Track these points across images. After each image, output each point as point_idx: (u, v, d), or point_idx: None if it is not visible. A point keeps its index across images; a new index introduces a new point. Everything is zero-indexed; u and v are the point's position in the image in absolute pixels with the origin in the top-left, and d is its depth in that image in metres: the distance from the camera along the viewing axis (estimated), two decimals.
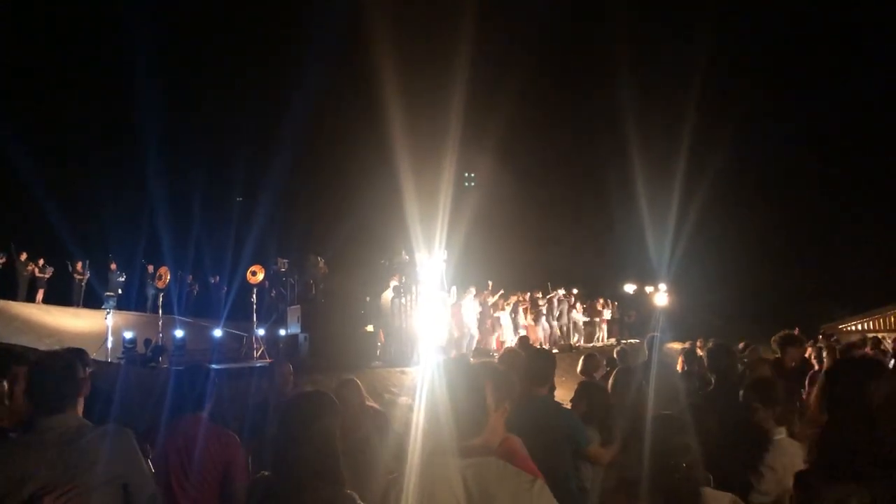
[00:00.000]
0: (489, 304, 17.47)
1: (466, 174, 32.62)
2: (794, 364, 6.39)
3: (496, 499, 2.11)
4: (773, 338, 6.51)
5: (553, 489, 2.20)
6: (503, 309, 17.67)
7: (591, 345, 20.59)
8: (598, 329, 22.63)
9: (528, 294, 19.41)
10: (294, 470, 2.53)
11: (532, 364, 4.74)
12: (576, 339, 20.85)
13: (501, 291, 18.18)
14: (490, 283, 18.66)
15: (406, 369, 12.21)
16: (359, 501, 2.54)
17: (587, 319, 22.05)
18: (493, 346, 16.80)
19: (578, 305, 21.43)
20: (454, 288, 16.56)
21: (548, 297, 19.92)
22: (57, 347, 4.61)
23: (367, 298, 14.87)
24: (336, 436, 2.64)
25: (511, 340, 16.72)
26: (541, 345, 16.61)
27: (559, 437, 4.32)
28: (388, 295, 14.35)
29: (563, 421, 4.45)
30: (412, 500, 2.18)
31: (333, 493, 2.52)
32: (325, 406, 2.69)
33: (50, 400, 2.79)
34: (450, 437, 2.24)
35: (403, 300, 14.36)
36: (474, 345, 16.20)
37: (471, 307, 16.59)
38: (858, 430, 2.31)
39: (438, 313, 14.70)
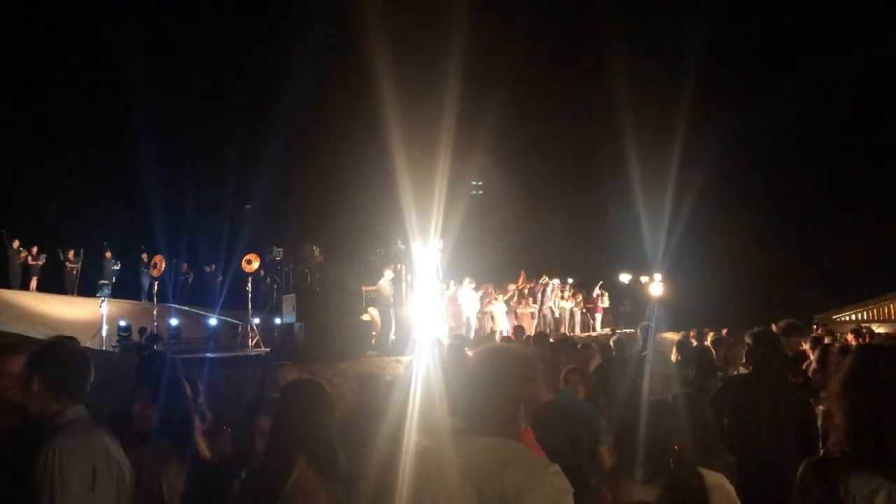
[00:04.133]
0: (488, 295, 17.48)
1: (474, 182, 32.59)
2: (796, 352, 6.37)
3: (510, 467, 2.11)
4: (775, 326, 6.45)
5: (573, 482, 2.19)
6: (497, 299, 17.68)
7: (586, 334, 20.64)
8: (591, 318, 22.70)
9: (519, 284, 19.37)
10: (284, 457, 2.54)
11: (553, 356, 4.77)
12: (570, 328, 20.92)
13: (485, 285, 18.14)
14: (522, 273, 18.88)
15: (401, 358, 12.22)
16: (341, 496, 2.55)
17: (581, 308, 22.13)
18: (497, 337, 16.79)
19: (567, 294, 21.44)
20: (451, 282, 16.59)
21: (540, 282, 19.95)
22: (49, 335, 4.59)
23: (363, 288, 14.89)
24: (331, 425, 2.65)
25: (506, 331, 16.76)
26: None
27: (582, 430, 4.34)
28: (383, 284, 14.35)
29: (587, 415, 4.47)
30: (407, 483, 2.19)
31: (319, 481, 2.53)
32: (319, 396, 2.70)
33: (77, 389, 2.68)
34: (469, 423, 2.25)
35: (400, 288, 14.36)
36: (472, 334, 16.21)
37: (468, 297, 16.59)
38: (886, 416, 2.15)
39: (434, 303, 14.71)
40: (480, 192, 32.71)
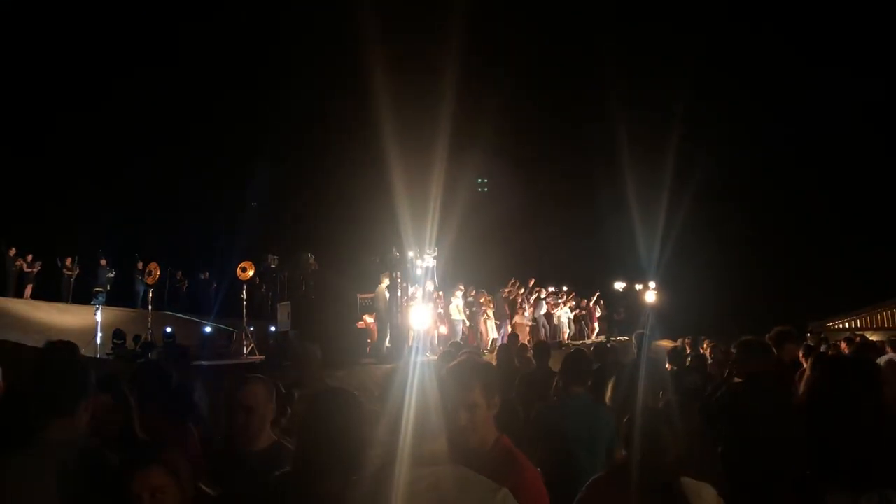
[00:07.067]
0: (480, 303, 17.48)
1: (479, 179, 32.87)
2: (791, 360, 6.33)
3: None
4: (767, 335, 6.40)
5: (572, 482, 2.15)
6: (490, 307, 17.69)
7: (580, 342, 20.65)
8: (586, 326, 22.77)
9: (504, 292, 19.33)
10: (309, 465, 2.57)
11: (569, 363, 4.84)
12: (567, 335, 20.96)
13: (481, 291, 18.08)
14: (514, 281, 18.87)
15: (396, 366, 12.21)
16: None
17: (576, 314, 22.19)
18: (486, 345, 16.80)
19: (561, 302, 21.47)
20: (458, 291, 16.62)
21: (532, 288, 19.98)
22: (45, 342, 4.55)
23: (359, 295, 14.89)
24: (358, 431, 2.64)
25: (499, 337, 16.77)
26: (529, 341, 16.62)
27: (601, 436, 4.39)
28: (380, 290, 14.37)
29: (605, 420, 4.51)
30: None
31: (332, 486, 2.55)
32: (344, 402, 2.71)
33: (53, 402, 2.47)
34: (409, 444, 2.10)
35: (396, 296, 14.38)
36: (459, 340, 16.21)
37: (456, 305, 16.61)
38: (868, 433, 2.09)
39: (428, 311, 14.73)
40: (486, 189, 32.97)
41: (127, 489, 2.20)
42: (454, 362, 2.82)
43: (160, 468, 2.25)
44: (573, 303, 22.36)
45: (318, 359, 4.88)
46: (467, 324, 16.84)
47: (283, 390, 3.97)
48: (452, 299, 16.51)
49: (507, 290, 18.60)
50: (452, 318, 16.42)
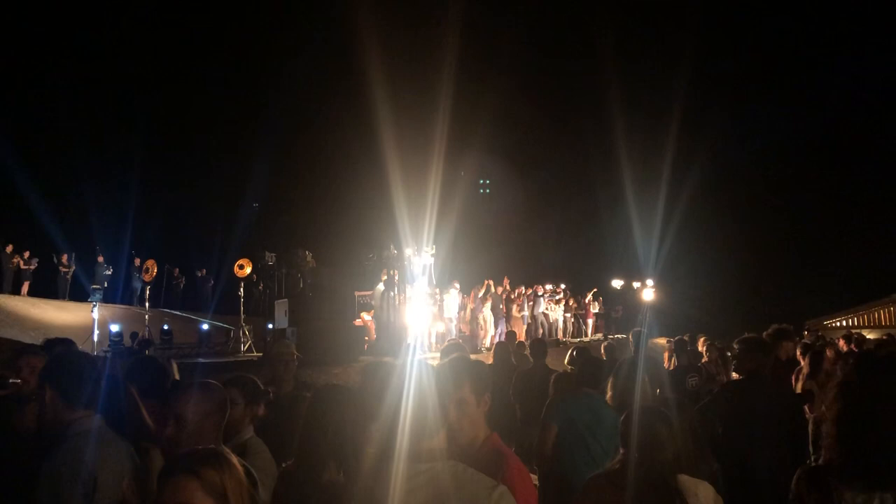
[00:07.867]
0: (479, 298, 17.48)
1: (482, 181, 32.96)
2: (787, 358, 6.36)
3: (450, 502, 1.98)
4: (765, 332, 6.41)
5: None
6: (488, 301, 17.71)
7: (578, 340, 20.67)
8: (583, 323, 22.79)
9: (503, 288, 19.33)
10: (309, 459, 2.64)
11: (583, 369, 4.90)
12: (563, 332, 20.97)
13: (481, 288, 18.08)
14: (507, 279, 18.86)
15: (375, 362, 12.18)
16: (339, 492, 2.57)
17: (572, 314, 22.19)
18: (487, 342, 16.81)
19: (559, 299, 21.48)
20: (453, 288, 16.61)
21: (530, 290, 20.00)
22: (41, 339, 4.57)
23: (356, 293, 14.89)
24: (353, 427, 2.67)
25: (496, 334, 16.77)
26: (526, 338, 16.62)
27: (611, 432, 4.42)
28: (378, 289, 14.37)
29: (614, 418, 4.54)
30: None
31: (331, 480, 2.57)
32: (343, 399, 2.74)
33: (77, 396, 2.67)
34: (404, 441, 2.05)
35: (392, 294, 14.38)
36: (455, 336, 16.22)
37: (453, 302, 16.60)
38: (876, 426, 2.08)
39: (425, 308, 14.73)
40: (488, 190, 33.07)
41: (157, 492, 1.96)
42: (446, 359, 2.83)
43: (195, 483, 1.90)
44: (573, 301, 22.34)
45: (293, 355, 4.87)
46: (453, 322, 16.82)
47: (263, 388, 3.99)
48: (446, 296, 16.52)
49: (500, 290, 18.56)
50: (445, 315, 16.43)
